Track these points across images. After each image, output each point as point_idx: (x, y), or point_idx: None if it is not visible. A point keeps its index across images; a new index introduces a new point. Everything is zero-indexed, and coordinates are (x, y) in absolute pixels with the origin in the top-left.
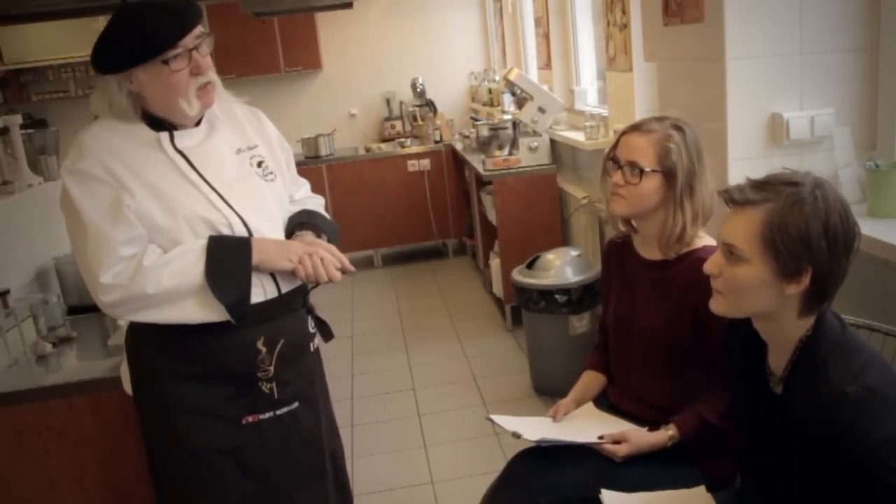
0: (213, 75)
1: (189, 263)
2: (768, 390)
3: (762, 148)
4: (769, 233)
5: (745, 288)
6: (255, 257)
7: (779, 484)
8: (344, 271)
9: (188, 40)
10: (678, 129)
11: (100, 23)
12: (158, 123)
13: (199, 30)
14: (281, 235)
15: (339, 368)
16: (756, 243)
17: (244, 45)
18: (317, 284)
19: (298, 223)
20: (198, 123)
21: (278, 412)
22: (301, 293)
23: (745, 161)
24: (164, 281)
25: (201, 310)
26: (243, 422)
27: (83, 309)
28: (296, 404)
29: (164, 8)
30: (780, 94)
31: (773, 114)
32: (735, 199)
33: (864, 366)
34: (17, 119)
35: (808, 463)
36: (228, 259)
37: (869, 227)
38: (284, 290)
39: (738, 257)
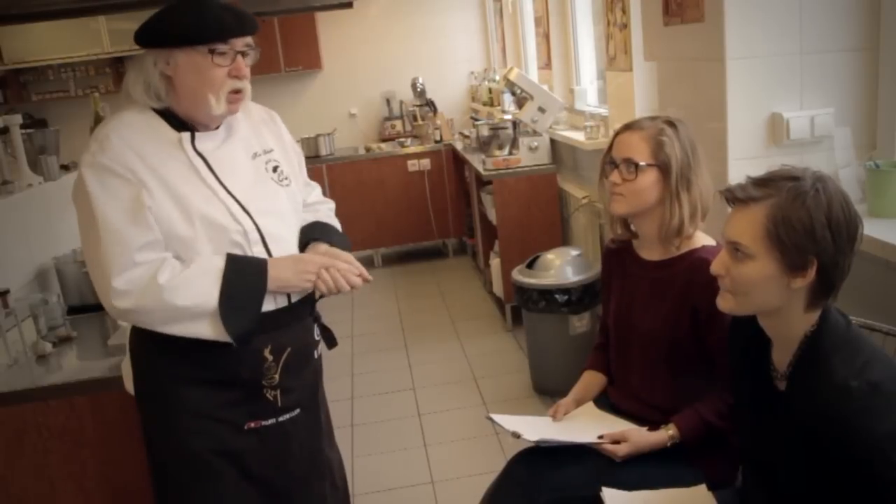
0: (247, 84)
1: (204, 289)
2: (772, 387)
3: (762, 148)
4: (773, 227)
5: (753, 285)
6: (272, 284)
7: (782, 481)
8: (363, 279)
9: (238, 43)
10: (670, 124)
11: (100, 23)
12: (180, 124)
13: (250, 39)
14: (296, 239)
15: (339, 368)
16: (761, 239)
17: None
18: (337, 293)
19: (312, 238)
20: (217, 126)
21: (280, 419)
22: (309, 302)
23: (745, 161)
24: (177, 301)
25: (211, 330)
26: (245, 427)
27: (83, 309)
28: (297, 411)
29: (226, 7)
30: (780, 94)
31: (773, 114)
32: (737, 196)
33: (868, 361)
34: (17, 119)
35: (811, 459)
36: (243, 289)
37: (869, 227)
38: (295, 299)
39: (744, 255)
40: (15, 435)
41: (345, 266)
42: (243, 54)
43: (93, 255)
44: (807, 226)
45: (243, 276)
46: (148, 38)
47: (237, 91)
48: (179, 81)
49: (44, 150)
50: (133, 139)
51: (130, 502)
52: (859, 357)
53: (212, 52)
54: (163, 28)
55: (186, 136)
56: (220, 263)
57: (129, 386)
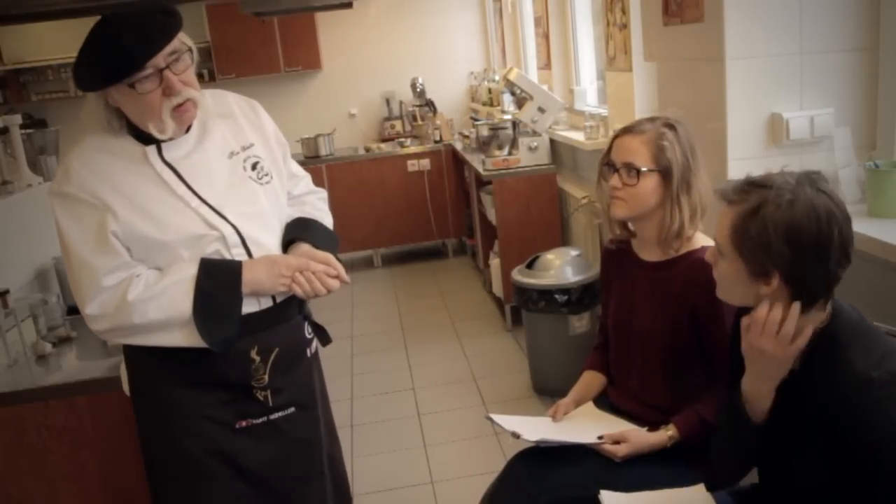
0: (191, 92)
1: (177, 298)
2: (782, 381)
3: (762, 148)
4: (733, 234)
5: (728, 282)
6: (247, 288)
7: (799, 474)
8: (340, 281)
9: (159, 60)
10: (670, 127)
11: None
12: (147, 136)
13: (172, 46)
14: (278, 239)
15: (339, 368)
16: (728, 242)
17: (244, 45)
18: (315, 297)
19: (295, 237)
20: (188, 129)
21: (272, 417)
22: (297, 301)
23: (744, 161)
24: (150, 314)
25: (189, 338)
26: (236, 426)
27: None
28: (291, 409)
29: (132, 27)
30: (779, 94)
31: (773, 114)
32: (723, 196)
33: (888, 353)
34: (17, 119)
35: (829, 450)
36: (218, 297)
37: (869, 227)
38: (280, 299)
39: (720, 252)
40: (15, 435)
41: (321, 268)
42: (170, 66)
43: (70, 280)
44: (762, 237)
45: (217, 281)
46: (78, 83)
47: (181, 104)
48: (126, 112)
49: (43, 150)
50: (97, 163)
51: (130, 502)
52: (878, 349)
53: (131, 85)
54: (83, 76)
55: (152, 148)
56: (192, 270)
57: (127, 388)
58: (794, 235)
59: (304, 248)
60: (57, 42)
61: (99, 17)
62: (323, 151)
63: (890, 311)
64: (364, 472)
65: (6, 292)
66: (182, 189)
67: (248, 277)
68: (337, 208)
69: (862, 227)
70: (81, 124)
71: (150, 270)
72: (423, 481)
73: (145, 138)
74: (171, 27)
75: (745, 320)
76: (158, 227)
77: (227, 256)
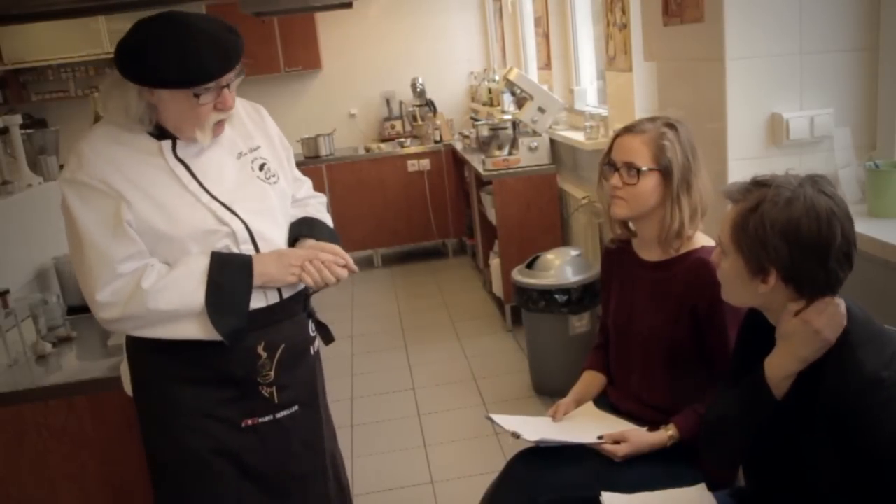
0: (231, 111)
1: (189, 289)
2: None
3: (762, 148)
4: (734, 231)
5: (728, 280)
6: (258, 280)
7: (807, 472)
8: (348, 269)
9: (223, 79)
10: (671, 126)
11: (100, 23)
12: (161, 132)
13: (237, 67)
14: (285, 236)
15: (339, 368)
16: (729, 239)
17: (244, 45)
18: (325, 286)
19: (300, 234)
20: None
21: (277, 415)
22: (302, 297)
23: (744, 161)
24: (161, 304)
25: (199, 330)
26: (242, 425)
27: (83, 309)
28: (295, 408)
29: (211, 39)
30: (779, 94)
31: (773, 114)
32: (728, 196)
33: None
34: (17, 119)
35: (838, 449)
36: (229, 287)
37: (869, 227)
38: (286, 294)
39: (722, 251)
40: (15, 435)
41: (329, 257)
42: (229, 84)
43: (78, 269)
44: (759, 232)
45: (228, 273)
46: (130, 72)
47: (221, 120)
48: (164, 111)
49: (44, 150)
50: (109, 152)
51: (130, 502)
52: (888, 349)
53: (196, 94)
54: (144, 69)
55: (167, 144)
56: (204, 262)
57: (128, 388)
58: (792, 233)
59: (311, 242)
60: (57, 42)
61: (163, 16)
62: (323, 151)
63: (890, 311)
64: (364, 472)
65: (6, 292)
66: (193, 185)
67: (259, 269)
68: (337, 208)
69: (862, 227)
70: (103, 107)
71: (162, 264)
72: (423, 481)
73: (159, 134)
74: (240, 48)
75: (793, 304)
76: (169, 221)
77: (237, 252)
